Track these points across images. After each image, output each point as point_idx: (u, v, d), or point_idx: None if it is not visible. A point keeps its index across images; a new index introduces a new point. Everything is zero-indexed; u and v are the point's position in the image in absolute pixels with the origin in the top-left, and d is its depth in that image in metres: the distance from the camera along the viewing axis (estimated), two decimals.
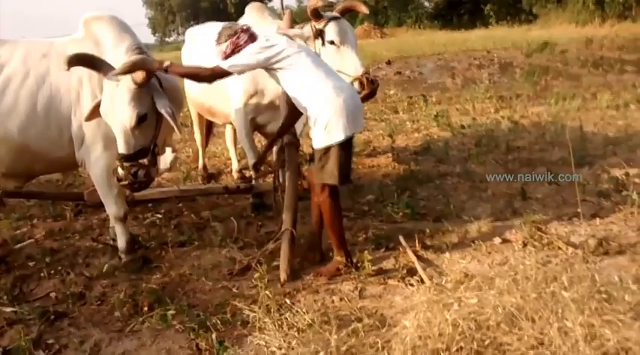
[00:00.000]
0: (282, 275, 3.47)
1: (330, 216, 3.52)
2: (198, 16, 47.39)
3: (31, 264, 4.09)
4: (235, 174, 5.85)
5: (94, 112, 3.36)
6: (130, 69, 3.12)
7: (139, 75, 3.15)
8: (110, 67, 3.25)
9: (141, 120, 3.23)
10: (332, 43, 3.87)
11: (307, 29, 3.92)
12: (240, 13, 4.03)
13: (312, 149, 3.52)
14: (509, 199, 4.67)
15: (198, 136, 5.89)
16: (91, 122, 3.49)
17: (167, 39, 53.99)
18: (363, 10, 4.16)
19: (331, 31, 3.86)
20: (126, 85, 3.19)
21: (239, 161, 5.98)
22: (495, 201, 4.71)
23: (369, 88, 3.80)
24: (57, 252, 4.28)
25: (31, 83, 3.58)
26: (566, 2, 27.79)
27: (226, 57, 3.39)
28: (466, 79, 12.17)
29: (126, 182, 3.24)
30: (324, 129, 3.28)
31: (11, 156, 3.68)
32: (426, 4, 41.81)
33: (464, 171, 5.45)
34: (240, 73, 3.37)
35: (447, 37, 24.13)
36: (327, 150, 3.32)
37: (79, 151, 3.68)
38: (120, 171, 3.22)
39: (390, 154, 6.28)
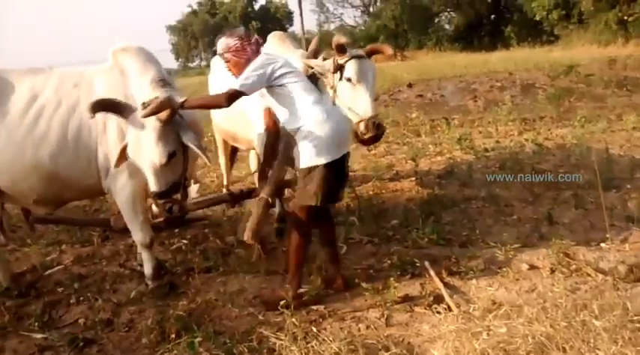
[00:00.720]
0: (246, 234, 3.38)
1: (297, 240, 3.47)
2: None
3: (60, 289, 4.15)
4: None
5: (122, 157, 3.39)
6: (156, 110, 3.14)
7: (164, 113, 3.18)
8: (132, 109, 3.29)
9: (170, 157, 3.28)
10: (349, 80, 3.87)
11: (329, 63, 3.93)
12: (262, 39, 4.05)
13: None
14: (536, 224, 4.62)
15: (222, 161, 5.96)
16: (115, 151, 3.51)
17: (190, 64, 54.96)
18: (389, 52, 4.17)
19: (351, 68, 3.86)
20: (151, 125, 3.23)
21: None
22: (521, 225, 4.67)
23: (372, 131, 3.82)
24: (85, 278, 4.34)
25: (63, 112, 3.66)
26: (588, 23, 27.64)
27: (228, 52, 3.44)
28: (488, 101, 12.14)
29: (161, 219, 3.28)
30: (310, 150, 3.31)
31: (42, 184, 3.74)
32: (446, 26, 42.00)
33: (488, 195, 5.42)
34: (252, 91, 3.30)
35: (468, 58, 24.08)
36: (310, 170, 3.33)
37: (106, 180, 3.73)
38: (154, 208, 3.26)
39: (413, 178, 6.28)
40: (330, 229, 3.80)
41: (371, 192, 5.95)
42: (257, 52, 3.46)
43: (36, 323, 3.59)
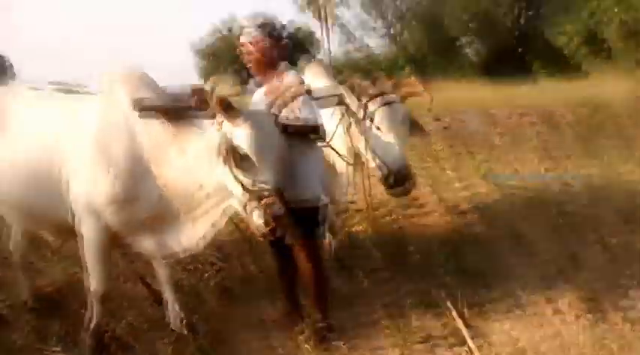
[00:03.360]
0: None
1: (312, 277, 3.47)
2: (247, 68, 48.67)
3: (82, 310, 4.16)
4: None
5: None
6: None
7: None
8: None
9: None
10: (378, 128, 3.76)
11: (359, 105, 3.81)
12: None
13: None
14: (561, 265, 4.55)
15: None
16: (85, 192, 3.19)
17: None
18: (427, 97, 4.00)
19: (380, 116, 3.76)
20: (271, 116, 3.11)
21: None
22: (546, 266, 4.60)
23: (399, 184, 3.74)
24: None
25: (39, 142, 3.35)
26: (617, 57, 27.49)
27: (253, 46, 3.28)
28: (513, 135, 12.04)
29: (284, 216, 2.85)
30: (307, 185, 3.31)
31: (20, 216, 3.65)
32: (472, 56, 42.03)
33: (513, 233, 5.35)
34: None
35: (493, 90, 23.97)
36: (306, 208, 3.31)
37: (75, 220, 3.33)
38: (278, 208, 2.84)
39: (436, 212, 6.24)
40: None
41: (394, 226, 5.92)
42: (284, 56, 3.33)
43: (59, 343, 3.62)
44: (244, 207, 2.88)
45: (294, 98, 3.22)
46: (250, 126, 2.89)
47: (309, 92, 3.33)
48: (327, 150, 3.71)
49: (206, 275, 4.65)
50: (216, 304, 4.08)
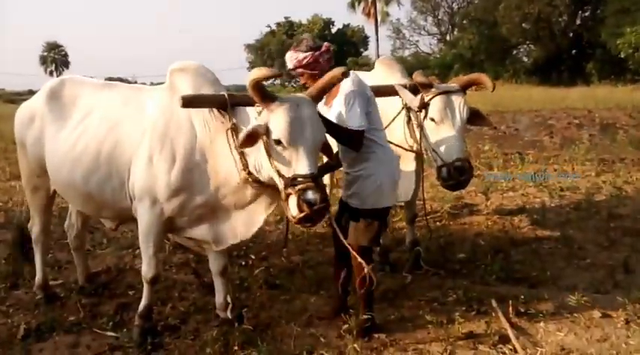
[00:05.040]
0: None
1: (360, 272, 3.32)
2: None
3: (131, 292, 4.32)
4: None
5: (249, 139, 2.91)
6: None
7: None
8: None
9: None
10: (432, 119, 3.69)
11: (418, 99, 3.75)
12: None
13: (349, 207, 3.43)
14: (611, 270, 4.45)
15: (327, 181, 6.05)
16: (144, 178, 3.30)
17: (264, 82, 56.16)
18: (489, 85, 3.82)
19: (434, 107, 3.67)
20: (311, 103, 2.98)
21: None
22: (595, 270, 4.51)
23: (453, 179, 3.62)
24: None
25: (102, 131, 3.50)
26: None
27: (300, 67, 3.29)
28: (565, 139, 11.78)
29: (322, 204, 2.78)
30: (376, 190, 3.25)
31: (80, 201, 3.75)
32: (524, 58, 41.15)
33: (562, 237, 5.26)
34: (365, 122, 3.16)
35: (546, 93, 23.46)
36: (373, 211, 3.28)
37: (133, 204, 3.46)
38: (313, 194, 2.76)
39: (483, 212, 6.17)
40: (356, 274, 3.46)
41: (438, 224, 5.89)
42: (330, 59, 3.31)
43: (109, 323, 3.76)
44: (282, 194, 2.87)
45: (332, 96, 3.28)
46: (284, 111, 2.86)
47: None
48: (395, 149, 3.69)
49: (256, 271, 4.71)
50: (262, 294, 4.14)
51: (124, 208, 3.53)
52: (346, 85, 3.20)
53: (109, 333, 3.63)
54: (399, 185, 3.50)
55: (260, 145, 2.94)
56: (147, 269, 3.51)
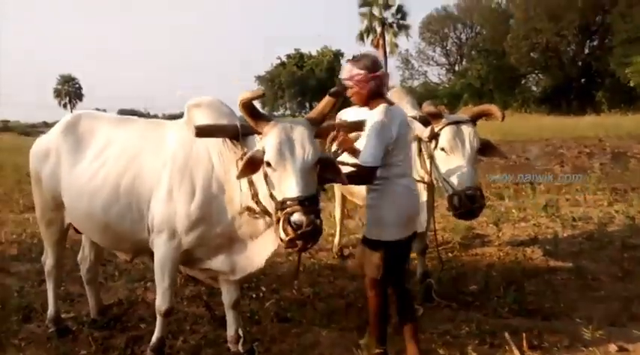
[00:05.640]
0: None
1: (374, 309, 3.34)
2: (305, 93, 49.71)
3: (142, 325, 4.31)
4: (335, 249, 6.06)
5: (248, 167, 2.93)
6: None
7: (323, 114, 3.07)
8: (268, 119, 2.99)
9: (317, 162, 2.91)
10: (442, 149, 3.74)
11: (428, 130, 3.82)
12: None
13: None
14: (626, 302, 4.39)
15: (338, 214, 6.10)
16: (164, 211, 3.35)
17: (275, 113, 56.75)
18: (499, 115, 3.89)
19: (444, 137, 3.73)
20: (306, 124, 2.97)
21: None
22: (610, 302, 4.45)
23: (464, 207, 3.63)
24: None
25: (122, 163, 3.56)
26: None
27: (350, 80, 3.23)
28: (576, 168, 11.76)
29: (308, 228, 2.72)
30: (378, 222, 3.22)
31: (97, 233, 3.78)
32: (533, 88, 41.32)
33: (575, 267, 5.21)
34: (380, 160, 3.13)
35: (555, 122, 23.56)
36: (374, 243, 3.25)
37: (150, 237, 3.49)
38: (300, 216, 2.73)
39: (495, 243, 6.14)
40: (405, 307, 3.43)
41: (450, 255, 5.86)
42: (381, 86, 3.25)
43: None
44: (274, 217, 2.86)
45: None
46: (274, 132, 2.86)
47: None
48: None
49: (266, 303, 4.72)
50: (273, 327, 4.13)
51: (141, 240, 3.55)
52: (376, 113, 3.18)
53: None
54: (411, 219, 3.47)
55: (261, 172, 2.94)
56: (161, 301, 3.51)
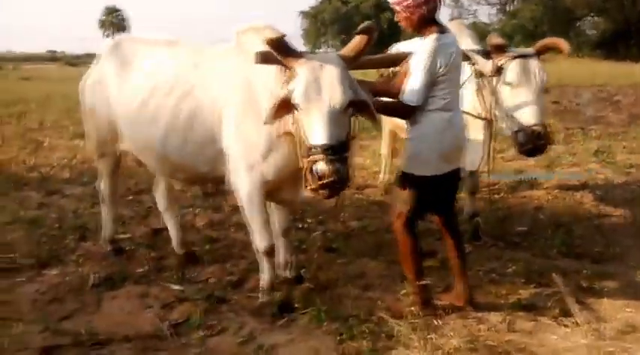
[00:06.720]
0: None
1: (402, 245, 3.25)
2: (348, 30, 48.66)
3: (195, 249, 4.43)
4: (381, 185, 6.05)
5: (281, 109, 2.82)
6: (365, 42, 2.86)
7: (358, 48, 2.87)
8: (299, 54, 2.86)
9: (348, 105, 2.75)
10: (508, 84, 3.61)
11: (489, 64, 3.66)
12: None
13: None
14: None
15: (385, 150, 6.05)
16: (236, 145, 3.28)
17: (317, 50, 55.92)
18: (565, 49, 3.77)
19: (511, 71, 3.61)
20: (337, 62, 2.80)
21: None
22: None
23: (531, 143, 3.55)
24: (215, 242, 4.62)
25: (176, 95, 3.45)
26: None
27: (399, 5, 3.03)
28: (632, 116, 11.30)
29: (330, 179, 2.62)
30: (412, 156, 3.12)
31: (155, 163, 3.80)
32: (589, 31, 39.46)
33: (629, 214, 5.09)
34: (422, 100, 2.99)
35: (611, 67, 22.51)
36: (410, 176, 3.14)
37: (226, 177, 3.42)
38: (323, 166, 2.61)
39: (543, 186, 6.03)
40: (453, 244, 3.41)
41: (497, 196, 5.78)
42: (434, 10, 3.03)
43: (173, 277, 3.90)
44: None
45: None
46: (303, 71, 2.72)
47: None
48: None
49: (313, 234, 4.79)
50: (320, 257, 4.21)
51: (199, 172, 3.57)
52: (426, 43, 3.00)
53: (175, 287, 3.75)
54: (463, 154, 3.36)
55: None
56: (260, 239, 3.39)
